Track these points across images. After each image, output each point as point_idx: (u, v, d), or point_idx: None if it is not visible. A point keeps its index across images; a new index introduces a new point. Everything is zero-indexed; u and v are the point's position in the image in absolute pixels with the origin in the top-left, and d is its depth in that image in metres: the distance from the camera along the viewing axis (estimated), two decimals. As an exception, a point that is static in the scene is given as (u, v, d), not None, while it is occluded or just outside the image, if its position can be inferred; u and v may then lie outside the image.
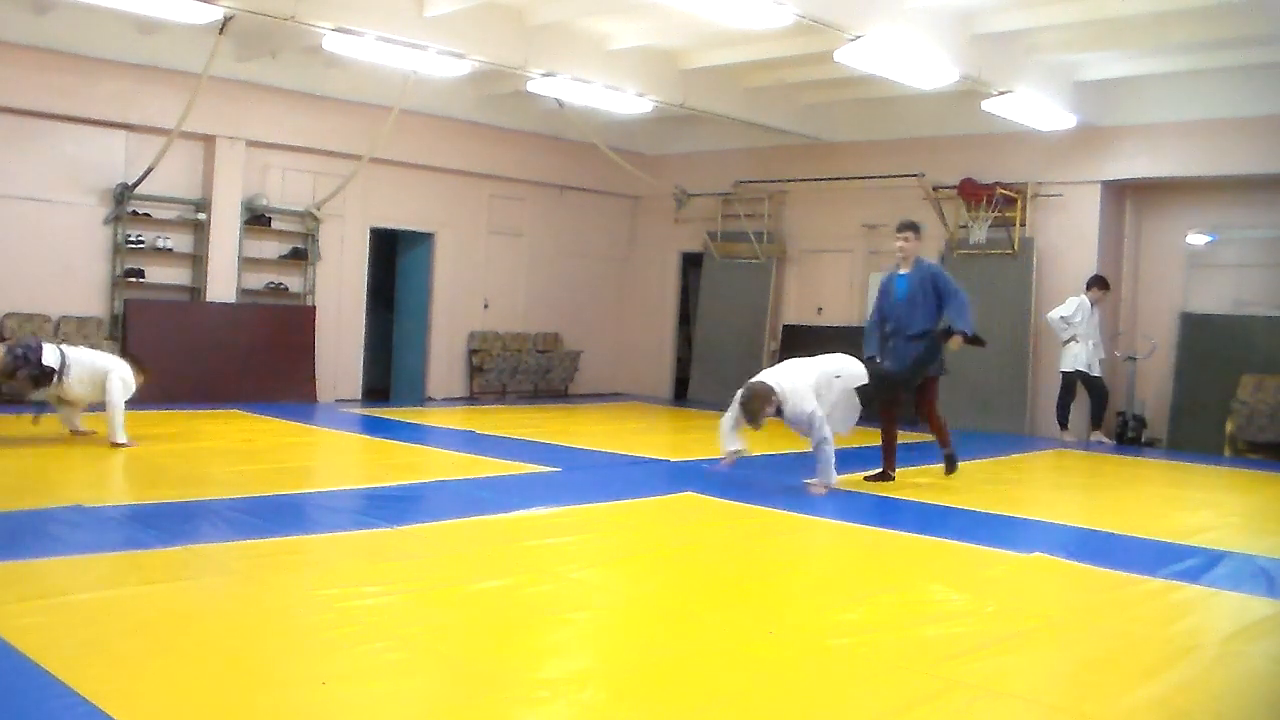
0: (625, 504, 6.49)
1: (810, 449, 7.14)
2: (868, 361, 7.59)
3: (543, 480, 7.27)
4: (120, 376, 7.71)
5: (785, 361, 7.41)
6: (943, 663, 3.63)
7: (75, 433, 8.07)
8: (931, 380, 7.87)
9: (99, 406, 7.76)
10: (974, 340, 7.80)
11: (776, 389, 6.90)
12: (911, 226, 7.82)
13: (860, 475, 7.73)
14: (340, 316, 12.56)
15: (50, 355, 7.66)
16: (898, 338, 7.75)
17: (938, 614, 4.34)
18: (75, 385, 7.70)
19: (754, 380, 7.08)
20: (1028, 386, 12.13)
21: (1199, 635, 4.24)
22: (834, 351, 7.62)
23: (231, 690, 3.13)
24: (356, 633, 3.70)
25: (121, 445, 7.59)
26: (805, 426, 6.94)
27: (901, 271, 7.80)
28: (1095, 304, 11.36)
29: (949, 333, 7.59)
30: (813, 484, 7.05)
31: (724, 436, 7.30)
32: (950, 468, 8.00)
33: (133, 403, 7.87)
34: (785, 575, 4.97)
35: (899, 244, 7.79)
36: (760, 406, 6.91)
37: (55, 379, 7.68)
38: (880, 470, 7.70)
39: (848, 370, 7.22)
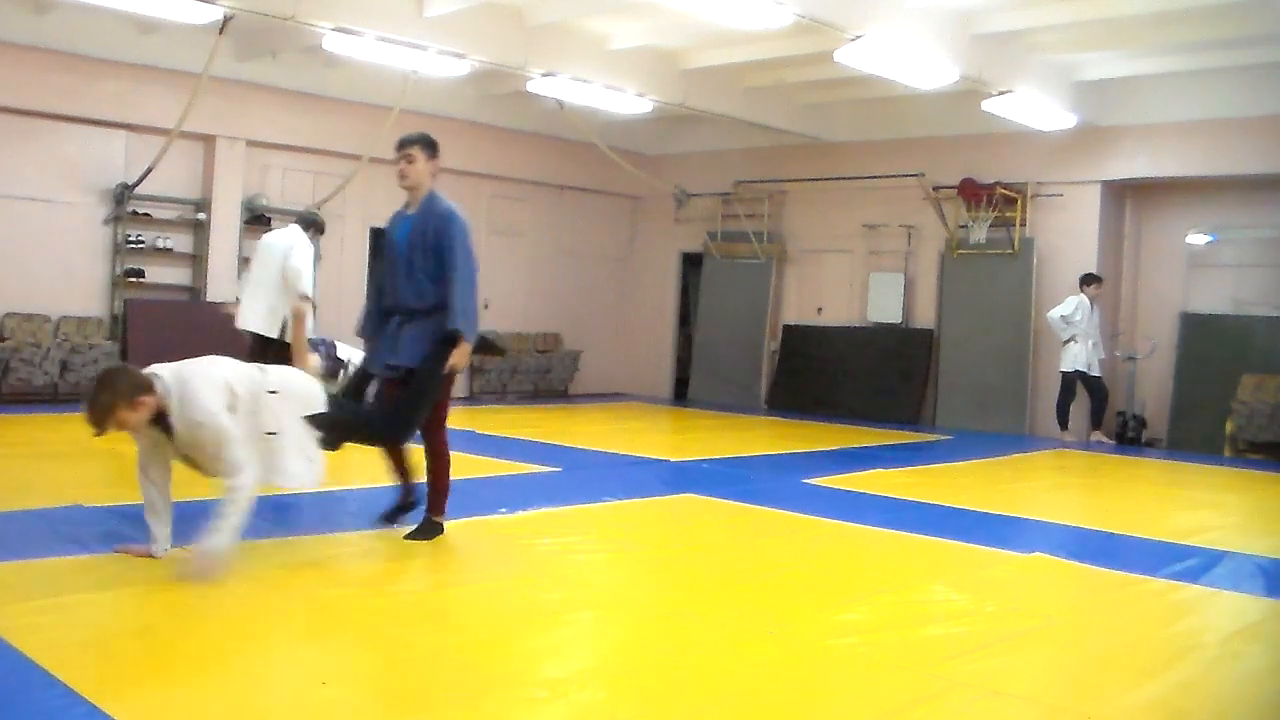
0: (625, 504, 6.49)
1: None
2: (366, 354, 5.47)
3: (543, 480, 7.27)
4: None
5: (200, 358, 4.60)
6: (943, 663, 3.63)
7: None
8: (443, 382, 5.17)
9: None
10: (487, 348, 5.57)
11: (158, 381, 4.23)
12: (419, 141, 5.19)
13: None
14: (340, 317, 12.54)
15: (343, 351, 8.50)
16: (394, 315, 5.24)
17: (938, 614, 4.34)
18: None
19: (122, 365, 4.57)
20: (1028, 386, 12.13)
21: (1199, 635, 4.24)
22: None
23: (231, 690, 3.13)
24: (357, 632, 3.70)
25: None
26: (211, 447, 4.25)
27: (409, 212, 5.25)
28: (1094, 300, 11.37)
29: (452, 338, 5.06)
30: (195, 555, 4.23)
31: (150, 516, 4.48)
32: (421, 534, 5.18)
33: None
34: (785, 575, 4.97)
35: (401, 167, 5.19)
36: (113, 401, 4.08)
37: (344, 372, 8.47)
38: (399, 503, 5.40)
39: (294, 387, 4.66)
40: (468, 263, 5.16)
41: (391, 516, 5.38)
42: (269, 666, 3.37)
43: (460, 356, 5.06)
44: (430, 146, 5.20)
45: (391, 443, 5.16)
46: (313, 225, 8.56)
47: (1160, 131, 11.44)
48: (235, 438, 4.26)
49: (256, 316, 8.27)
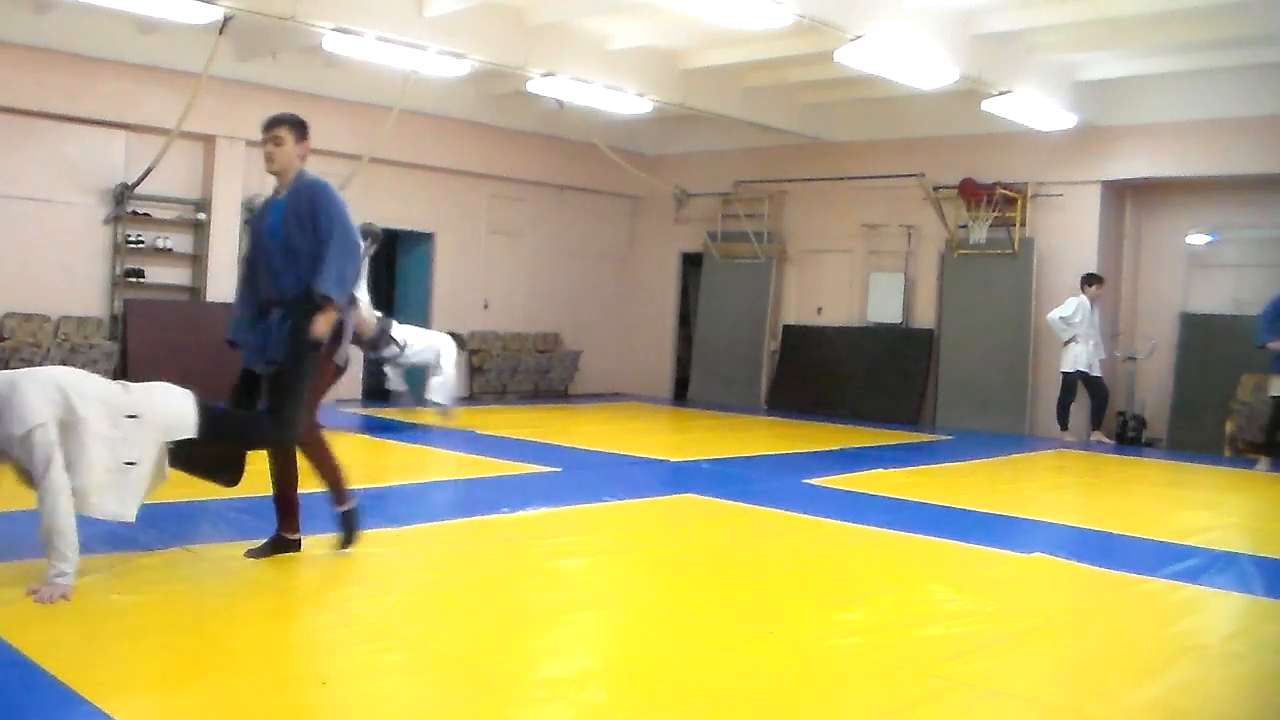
0: (625, 504, 6.49)
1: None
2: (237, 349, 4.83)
3: (543, 480, 7.27)
4: (451, 350, 10.31)
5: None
6: (943, 663, 3.63)
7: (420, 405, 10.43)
8: (320, 372, 4.72)
9: None
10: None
11: None
12: (287, 122, 4.75)
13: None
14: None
15: (397, 331, 9.91)
16: (274, 308, 4.69)
17: (938, 614, 4.34)
18: (414, 356, 10.02)
19: None
20: (1028, 386, 12.13)
21: (1199, 635, 4.24)
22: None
23: (231, 690, 3.13)
24: (356, 633, 3.70)
25: (439, 405, 10.12)
26: (26, 459, 3.94)
27: (279, 196, 4.79)
28: (1094, 301, 11.36)
29: (315, 302, 4.52)
30: (40, 589, 3.90)
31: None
32: (346, 535, 4.87)
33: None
34: (785, 575, 4.97)
35: (268, 150, 4.73)
36: None
37: (401, 350, 9.90)
38: (276, 534, 4.79)
39: (158, 411, 4.22)
40: (344, 227, 4.59)
41: (266, 550, 4.71)
42: (269, 666, 3.37)
43: (324, 323, 4.50)
44: (299, 127, 4.76)
45: (283, 442, 4.62)
46: (368, 235, 9.66)
47: (1160, 131, 11.44)
48: (51, 457, 3.85)
49: None
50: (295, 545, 4.80)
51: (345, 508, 4.86)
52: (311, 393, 4.67)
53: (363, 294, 9.25)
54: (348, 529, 4.87)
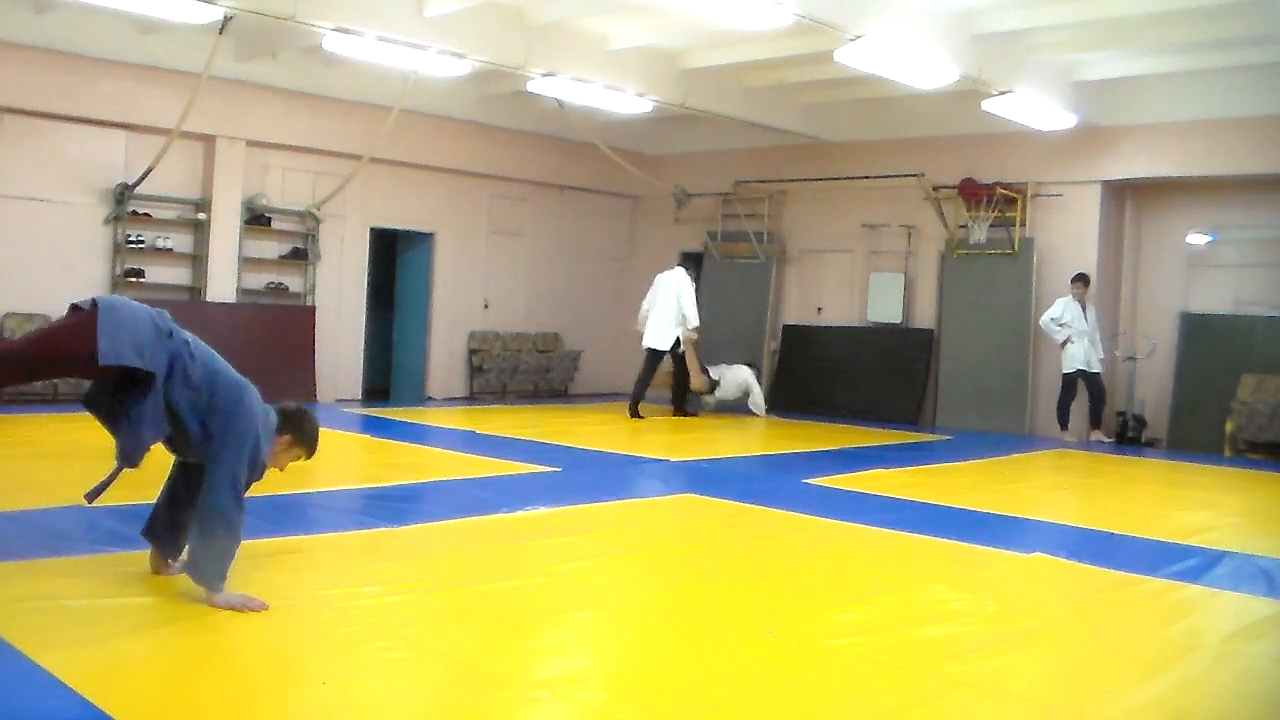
0: (625, 504, 6.48)
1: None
2: None
3: (543, 480, 7.27)
4: (752, 375, 12.81)
5: None
6: (943, 663, 3.63)
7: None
8: None
9: None
10: None
11: None
12: None
13: None
14: (340, 316, 12.55)
15: (714, 371, 12.51)
16: None
17: (938, 614, 4.34)
18: (728, 387, 12.53)
19: None
20: (1028, 386, 12.14)
21: (1199, 635, 4.24)
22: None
23: (232, 690, 3.13)
24: (356, 633, 3.70)
25: (761, 412, 12.63)
26: None
27: None
28: (1079, 299, 11.38)
29: None
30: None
31: None
32: None
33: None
34: (785, 575, 4.97)
35: None
36: None
37: (717, 386, 12.48)
38: None
39: None
40: None
41: None
42: (269, 666, 3.37)
43: None
44: None
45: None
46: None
47: (1160, 131, 11.44)
48: None
49: (658, 337, 11.87)
50: None
51: None
52: None
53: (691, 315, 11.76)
54: None
